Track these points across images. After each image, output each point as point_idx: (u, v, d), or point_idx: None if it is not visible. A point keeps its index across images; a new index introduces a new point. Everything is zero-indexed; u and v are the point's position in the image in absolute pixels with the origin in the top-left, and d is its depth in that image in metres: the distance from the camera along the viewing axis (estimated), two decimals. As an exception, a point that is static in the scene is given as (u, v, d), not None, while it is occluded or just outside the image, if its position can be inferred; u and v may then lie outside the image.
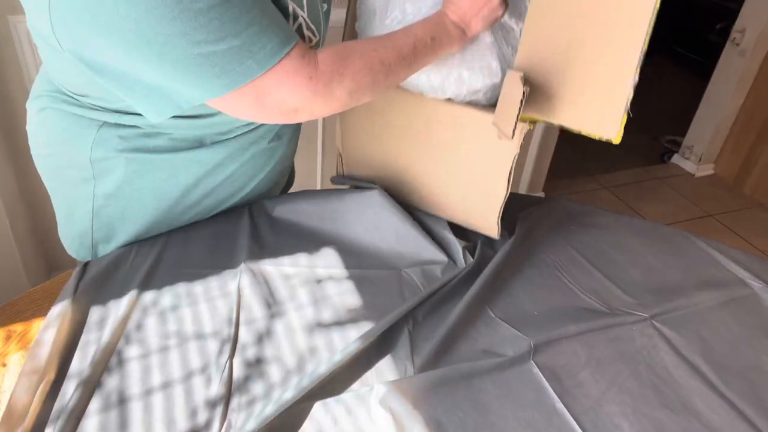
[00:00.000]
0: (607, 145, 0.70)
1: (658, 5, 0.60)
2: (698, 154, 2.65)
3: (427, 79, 0.75)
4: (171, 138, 0.71)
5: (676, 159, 2.76)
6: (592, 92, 0.68)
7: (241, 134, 0.76)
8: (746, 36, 2.32)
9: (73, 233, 0.79)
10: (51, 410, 0.54)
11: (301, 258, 0.76)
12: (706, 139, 2.60)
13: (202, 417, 0.55)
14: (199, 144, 0.73)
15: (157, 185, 0.74)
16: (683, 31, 3.67)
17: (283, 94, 0.58)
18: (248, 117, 0.64)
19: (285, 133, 0.83)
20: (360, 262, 0.77)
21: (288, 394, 0.57)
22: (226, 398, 0.57)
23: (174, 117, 0.60)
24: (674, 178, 2.65)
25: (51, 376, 0.57)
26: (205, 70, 0.53)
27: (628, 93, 0.65)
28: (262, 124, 0.77)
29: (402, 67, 0.65)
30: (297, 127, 0.88)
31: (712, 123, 2.55)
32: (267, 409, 0.55)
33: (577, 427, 0.56)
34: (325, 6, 0.71)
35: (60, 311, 0.64)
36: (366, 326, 0.66)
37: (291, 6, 0.61)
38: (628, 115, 0.66)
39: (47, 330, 0.61)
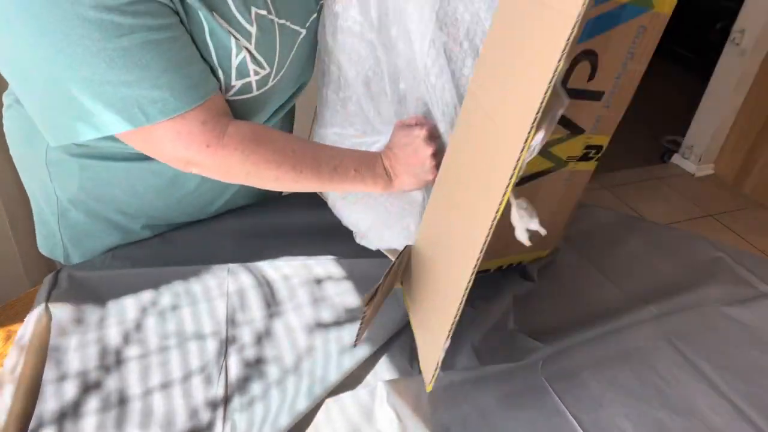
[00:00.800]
0: (607, 144, 0.70)
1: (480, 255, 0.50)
2: (698, 154, 2.65)
3: (356, 222, 0.76)
4: (124, 147, 0.68)
5: (676, 159, 2.76)
6: (426, 330, 0.61)
7: None
8: (746, 36, 2.31)
9: (45, 232, 0.79)
10: (49, 411, 0.54)
11: (301, 257, 0.76)
12: (706, 139, 2.59)
13: (202, 417, 0.55)
14: (149, 157, 0.70)
15: (115, 195, 0.72)
16: (683, 31, 3.67)
17: (175, 148, 0.57)
18: (141, 150, 0.61)
19: None
20: (359, 261, 0.76)
21: (301, 402, 0.57)
22: (227, 399, 0.57)
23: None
24: (674, 178, 2.65)
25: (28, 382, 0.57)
26: (102, 105, 0.52)
27: (439, 355, 0.55)
28: None
29: (312, 182, 0.63)
30: None
31: (712, 123, 2.55)
32: (281, 419, 0.55)
33: (578, 427, 0.56)
34: (301, 33, 0.68)
35: (38, 313, 0.63)
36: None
37: (232, 40, 0.58)
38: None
39: (26, 330, 0.61)
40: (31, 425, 0.52)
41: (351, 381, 0.61)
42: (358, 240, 0.79)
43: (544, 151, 0.62)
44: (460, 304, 0.50)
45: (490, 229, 0.45)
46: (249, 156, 0.59)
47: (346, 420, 0.56)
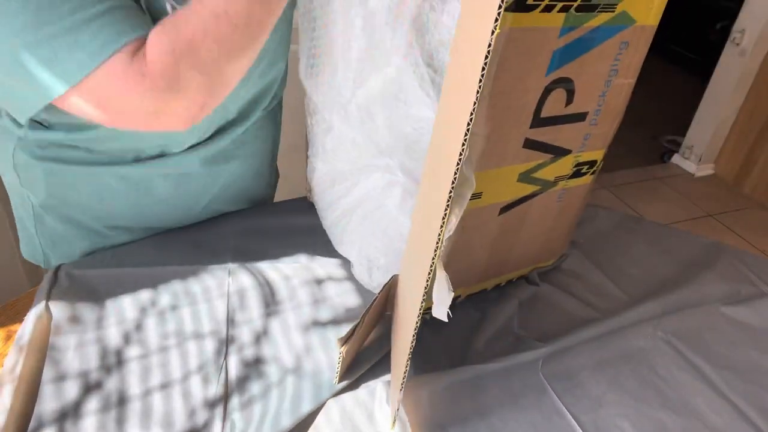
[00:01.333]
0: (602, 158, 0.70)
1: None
2: (698, 154, 2.65)
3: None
4: (89, 150, 0.67)
5: (676, 159, 2.76)
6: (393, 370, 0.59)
7: (165, 155, 0.71)
8: (746, 36, 2.32)
9: (24, 236, 0.78)
10: (48, 411, 0.54)
11: (301, 258, 0.76)
12: (706, 139, 2.60)
13: (201, 417, 0.55)
14: (119, 160, 0.69)
15: (82, 200, 0.71)
16: (683, 31, 3.67)
17: (120, 94, 0.51)
18: (100, 121, 0.55)
19: (237, 155, 0.77)
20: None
21: (306, 405, 0.57)
22: (226, 398, 0.57)
23: (74, 131, 0.57)
24: (674, 178, 2.65)
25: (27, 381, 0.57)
26: (38, 63, 0.48)
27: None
28: (192, 146, 0.71)
29: (244, 6, 0.51)
30: (258, 146, 0.81)
31: (712, 123, 2.55)
32: (283, 420, 0.55)
33: (577, 427, 0.56)
34: None
35: (38, 312, 0.63)
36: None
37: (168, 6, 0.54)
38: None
39: (26, 330, 0.61)
40: (31, 425, 0.52)
41: (356, 381, 0.60)
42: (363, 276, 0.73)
43: (527, 178, 0.61)
44: (409, 353, 0.49)
45: (422, 295, 0.46)
46: (176, 47, 0.50)
47: (346, 420, 0.56)
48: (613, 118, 0.63)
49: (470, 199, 0.58)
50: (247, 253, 0.76)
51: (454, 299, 0.69)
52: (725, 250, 0.85)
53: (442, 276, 0.48)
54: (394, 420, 0.54)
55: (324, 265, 0.75)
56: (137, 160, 0.70)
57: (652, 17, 0.56)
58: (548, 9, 0.49)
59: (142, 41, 0.50)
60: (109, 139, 0.66)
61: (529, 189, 0.63)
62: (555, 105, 0.56)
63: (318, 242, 0.79)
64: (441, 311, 0.49)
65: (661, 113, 3.14)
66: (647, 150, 2.84)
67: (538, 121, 0.57)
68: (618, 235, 0.88)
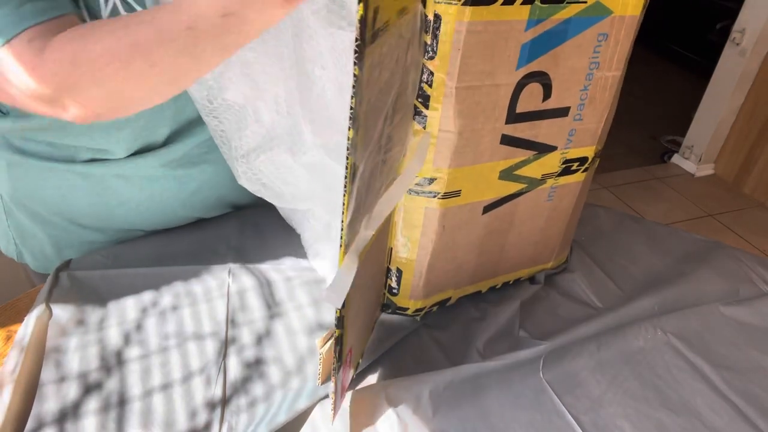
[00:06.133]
0: (607, 145, 0.70)
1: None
2: (698, 154, 2.65)
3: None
4: (49, 144, 0.66)
5: (676, 159, 2.76)
6: None
7: (124, 157, 0.69)
8: (746, 36, 2.32)
9: (0, 230, 0.78)
10: (48, 411, 0.54)
11: (302, 259, 0.76)
12: (706, 139, 2.60)
13: (201, 418, 0.55)
14: (76, 157, 0.67)
15: (46, 196, 0.70)
16: (683, 31, 3.67)
17: (13, 78, 0.46)
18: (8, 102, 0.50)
19: (206, 160, 0.74)
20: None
21: (302, 401, 0.57)
22: (225, 400, 0.57)
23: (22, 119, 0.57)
24: (674, 178, 2.65)
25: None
26: None
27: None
28: (147, 150, 0.69)
29: (170, 54, 0.45)
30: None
31: (712, 123, 2.55)
32: (279, 417, 0.55)
33: (577, 427, 0.56)
34: None
35: (38, 312, 0.63)
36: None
37: None
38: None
39: (26, 330, 0.61)
40: (31, 425, 0.52)
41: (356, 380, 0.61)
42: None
43: (509, 176, 0.60)
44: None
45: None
46: (77, 60, 0.45)
47: (344, 419, 0.56)
48: (601, 113, 0.61)
49: (449, 197, 0.58)
50: (248, 253, 0.76)
51: (445, 302, 0.69)
52: (725, 250, 0.85)
53: (348, 264, 0.45)
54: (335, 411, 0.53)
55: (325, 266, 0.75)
56: (93, 159, 0.69)
57: (631, 7, 0.55)
58: (509, 2, 0.48)
59: (48, 25, 0.46)
60: (60, 131, 0.64)
61: (514, 187, 0.62)
62: (531, 100, 0.55)
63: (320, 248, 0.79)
64: (331, 295, 0.44)
65: (661, 113, 3.14)
66: (647, 150, 2.84)
67: (513, 117, 0.55)
68: (618, 234, 0.88)
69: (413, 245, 0.62)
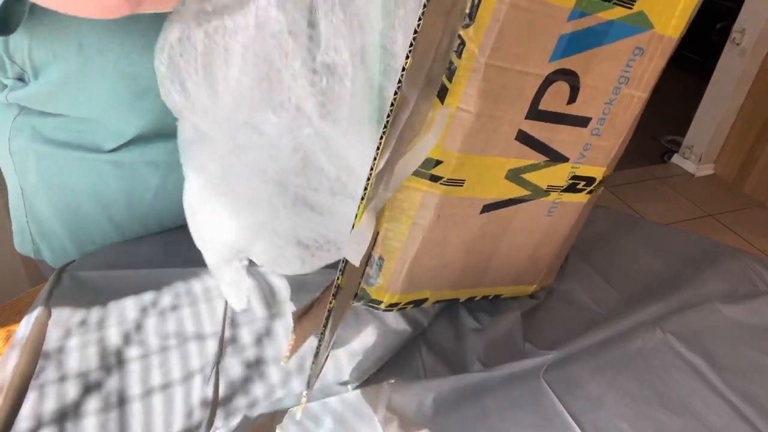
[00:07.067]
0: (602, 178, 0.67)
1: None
2: (698, 154, 2.65)
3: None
4: (78, 132, 0.66)
5: (676, 159, 2.76)
6: None
7: (145, 140, 0.69)
8: (746, 36, 2.32)
9: (17, 227, 0.78)
10: (48, 411, 0.54)
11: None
12: (706, 139, 2.60)
13: (195, 418, 0.55)
14: (100, 147, 0.68)
15: (76, 187, 0.70)
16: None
17: None
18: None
19: None
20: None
21: (288, 401, 0.57)
22: (217, 400, 0.57)
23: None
24: (674, 178, 2.66)
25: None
26: None
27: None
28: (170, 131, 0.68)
29: None
30: None
31: (712, 123, 2.55)
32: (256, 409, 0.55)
33: (577, 428, 0.56)
34: None
35: (38, 313, 0.63)
36: (365, 326, 0.66)
37: None
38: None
39: (24, 330, 0.61)
40: (31, 425, 0.52)
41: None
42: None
43: (516, 178, 0.57)
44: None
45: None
46: None
47: (349, 420, 0.56)
48: (619, 133, 0.59)
49: (451, 185, 0.54)
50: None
51: (420, 302, 0.66)
52: (725, 250, 0.85)
53: (366, 222, 0.44)
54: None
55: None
56: (120, 146, 0.69)
57: (671, 28, 0.52)
58: None
59: None
60: (74, 106, 0.65)
61: (518, 191, 0.59)
62: (556, 99, 0.52)
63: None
64: (351, 252, 0.44)
65: (661, 113, 3.14)
66: (647, 150, 2.84)
67: (535, 113, 0.52)
68: (617, 234, 0.88)
69: (402, 232, 0.58)
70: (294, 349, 0.55)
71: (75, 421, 0.53)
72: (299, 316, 0.52)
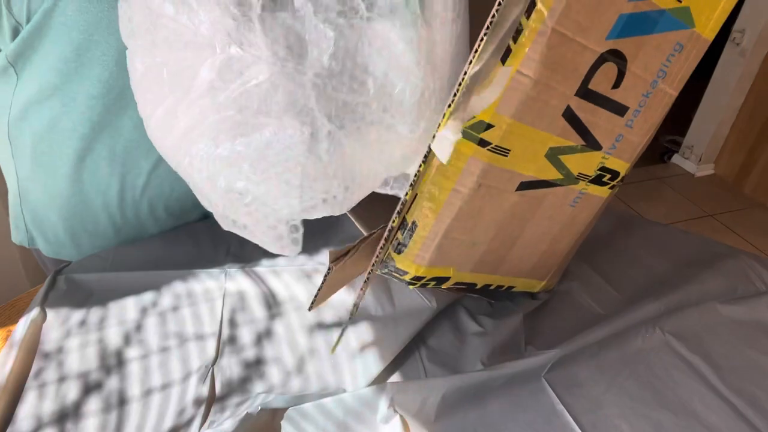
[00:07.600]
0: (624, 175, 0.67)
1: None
2: (698, 154, 2.65)
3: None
4: (74, 116, 0.65)
5: (676, 159, 2.76)
6: None
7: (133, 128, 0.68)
8: (746, 36, 2.32)
9: (12, 216, 0.78)
10: (48, 411, 0.54)
11: (300, 257, 0.76)
12: (706, 139, 2.60)
13: (188, 415, 0.55)
14: (98, 123, 0.66)
15: (67, 172, 0.70)
16: (683, 31, 3.66)
17: None
18: None
19: None
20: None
21: (277, 402, 0.57)
22: (213, 399, 0.57)
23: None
24: (674, 178, 2.66)
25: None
26: None
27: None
28: None
29: None
30: None
31: (712, 123, 2.55)
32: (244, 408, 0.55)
33: (576, 428, 0.56)
34: None
35: (33, 314, 0.64)
36: (364, 325, 0.66)
37: None
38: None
39: (19, 332, 0.61)
40: (31, 425, 0.52)
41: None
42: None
43: (554, 158, 0.57)
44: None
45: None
46: None
47: (349, 420, 0.56)
48: (648, 129, 0.59)
49: (497, 153, 0.53)
50: (245, 255, 0.76)
51: (443, 280, 0.65)
52: (724, 250, 0.85)
53: (448, 133, 0.45)
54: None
55: (323, 266, 0.75)
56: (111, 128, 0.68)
57: (709, 30, 0.53)
58: None
59: None
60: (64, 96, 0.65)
61: (553, 173, 0.59)
62: (603, 81, 0.53)
63: (318, 243, 0.79)
64: (438, 152, 0.47)
65: (661, 113, 3.14)
66: (647, 150, 2.82)
67: (584, 91, 0.52)
68: (617, 234, 0.88)
69: (441, 198, 0.57)
70: (321, 298, 0.52)
71: (75, 421, 0.53)
72: (336, 258, 0.50)
